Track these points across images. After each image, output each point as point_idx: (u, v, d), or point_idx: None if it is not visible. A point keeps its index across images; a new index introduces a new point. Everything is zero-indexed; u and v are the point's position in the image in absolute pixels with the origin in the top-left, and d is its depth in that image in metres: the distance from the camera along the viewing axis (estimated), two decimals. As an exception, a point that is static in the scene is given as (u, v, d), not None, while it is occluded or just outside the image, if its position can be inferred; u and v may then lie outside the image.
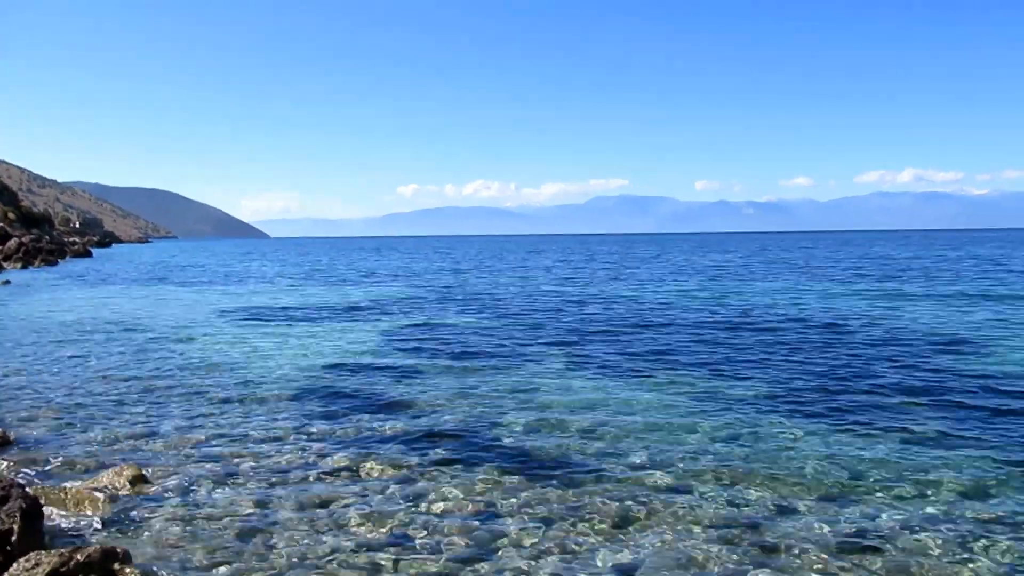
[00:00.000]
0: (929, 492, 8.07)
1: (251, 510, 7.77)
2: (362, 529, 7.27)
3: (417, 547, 6.89)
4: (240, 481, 8.62)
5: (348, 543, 6.94)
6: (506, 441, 10.12)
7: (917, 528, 7.17)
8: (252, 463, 9.25)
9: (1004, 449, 9.49)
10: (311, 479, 8.70)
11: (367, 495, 8.17)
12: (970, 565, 6.41)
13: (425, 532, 7.21)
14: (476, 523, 7.42)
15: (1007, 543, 6.80)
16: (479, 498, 8.03)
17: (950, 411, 11.48)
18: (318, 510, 7.78)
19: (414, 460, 9.34)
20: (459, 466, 9.11)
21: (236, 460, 9.38)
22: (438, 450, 9.73)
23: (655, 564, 6.54)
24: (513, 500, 7.97)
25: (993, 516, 7.42)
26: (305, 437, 10.41)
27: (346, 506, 7.86)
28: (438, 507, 7.83)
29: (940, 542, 6.85)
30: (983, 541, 6.86)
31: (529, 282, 43.58)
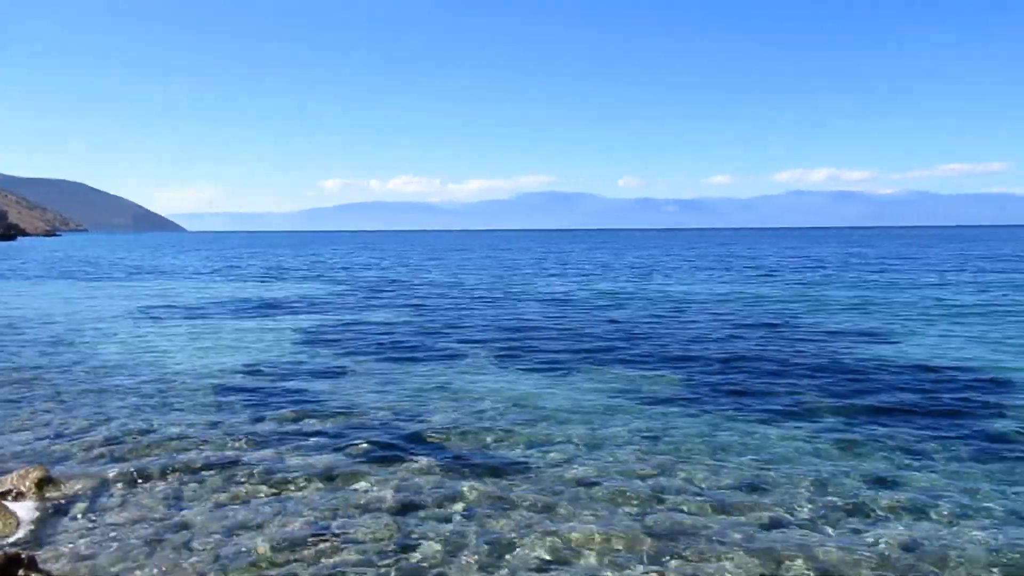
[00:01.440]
0: (840, 479, 8.36)
1: (164, 512, 7.52)
2: (280, 527, 7.12)
3: (338, 543, 6.79)
4: (152, 482, 8.34)
5: (265, 542, 6.79)
6: (429, 436, 10.07)
7: (826, 514, 7.43)
8: (164, 463, 8.95)
9: (904, 435, 9.92)
10: (227, 477, 8.48)
11: (286, 492, 8.02)
12: (874, 548, 6.67)
13: (345, 527, 7.11)
14: (398, 517, 7.35)
15: (901, 528, 7.12)
16: (401, 492, 7.97)
17: (858, 400, 11.92)
18: (234, 509, 7.59)
19: (335, 456, 9.21)
20: (381, 461, 9.02)
21: (148, 461, 9.07)
22: (360, 445, 9.61)
23: (578, 555, 6.60)
24: (435, 494, 7.93)
25: (896, 502, 7.73)
26: (221, 435, 10.13)
27: (263, 504, 7.69)
28: (359, 501, 7.74)
29: (845, 527, 7.13)
30: (885, 525, 7.16)
31: (454, 278, 43.49)
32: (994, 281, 35.94)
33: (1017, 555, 6.48)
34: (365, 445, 9.61)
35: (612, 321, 22.08)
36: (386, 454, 9.27)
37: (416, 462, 8.96)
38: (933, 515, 7.35)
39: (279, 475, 8.52)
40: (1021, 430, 10.14)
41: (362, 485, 8.19)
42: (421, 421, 10.82)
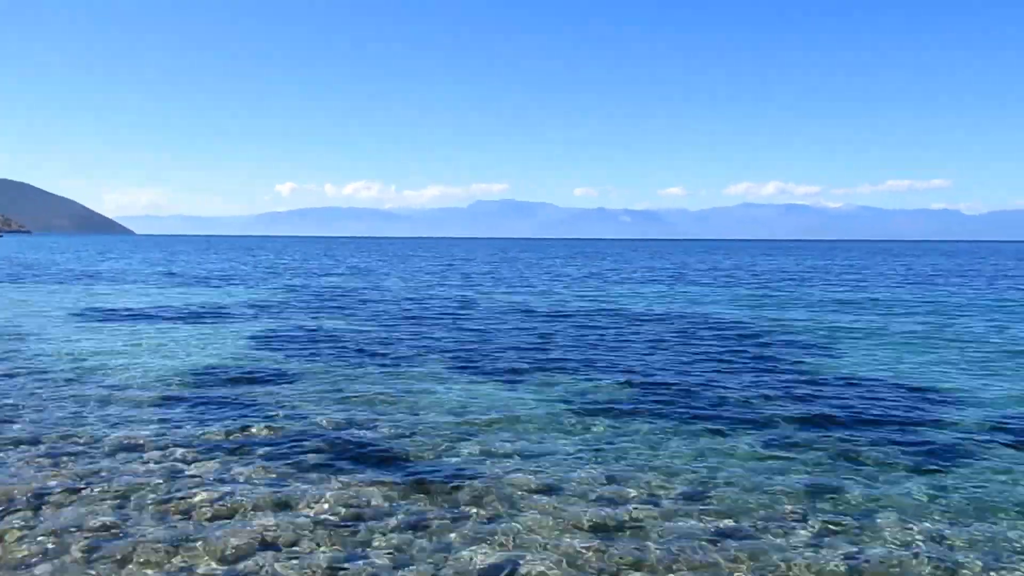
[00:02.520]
0: (784, 488, 8.51)
1: (105, 524, 7.34)
2: (224, 538, 7.00)
3: (284, 553, 6.71)
4: (94, 493, 8.13)
5: (210, 554, 6.68)
6: (377, 445, 10.00)
7: (770, 523, 7.56)
8: (107, 473, 8.74)
9: (846, 444, 10.16)
10: (170, 487, 8.30)
11: (230, 502, 7.88)
12: (816, 557, 6.82)
13: (293, 538, 7.02)
14: (346, 527, 7.29)
15: (843, 538, 7.29)
16: (348, 503, 7.89)
17: (802, 409, 12.17)
18: (176, 519, 7.44)
19: (282, 465, 9.09)
20: (329, 470, 8.93)
21: (90, 470, 8.84)
22: (308, 454, 9.50)
23: (527, 564, 6.62)
24: (382, 504, 7.87)
25: (838, 511, 7.91)
26: (166, 444, 9.93)
27: (207, 515, 7.55)
28: (307, 512, 7.65)
29: (789, 536, 7.26)
30: (828, 534, 7.32)
31: (407, 286, 43.29)
32: (939, 297, 36.99)
33: (950, 563, 6.67)
34: (312, 454, 9.51)
35: (563, 330, 22.19)
36: (333, 464, 9.18)
37: (363, 472, 8.89)
38: (874, 525, 7.53)
39: (223, 485, 8.37)
40: (958, 442, 10.45)
41: (311, 495, 8.09)
42: (369, 430, 10.73)
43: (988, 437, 10.63)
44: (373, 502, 7.93)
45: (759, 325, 23.83)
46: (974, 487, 8.56)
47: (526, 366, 16.02)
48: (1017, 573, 6.49)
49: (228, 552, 6.71)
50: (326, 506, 7.80)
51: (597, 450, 9.89)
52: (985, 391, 13.75)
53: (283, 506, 7.81)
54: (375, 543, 6.95)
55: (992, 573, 6.48)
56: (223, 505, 7.81)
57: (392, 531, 7.23)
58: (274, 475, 8.74)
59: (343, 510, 7.70)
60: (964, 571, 6.52)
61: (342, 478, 8.67)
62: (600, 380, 14.60)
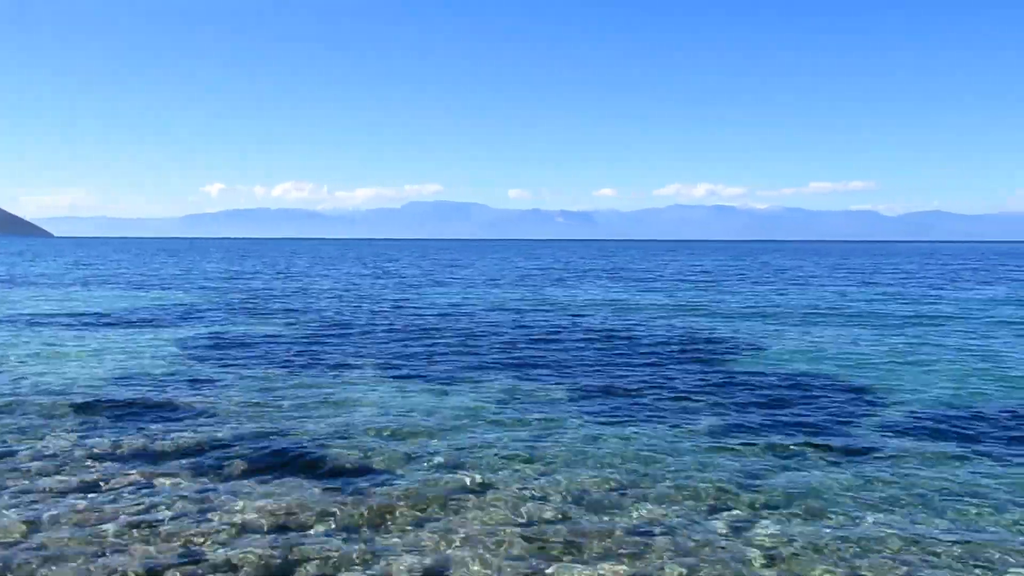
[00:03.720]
0: (714, 479, 8.68)
1: (20, 535, 7.04)
2: (149, 551, 6.78)
3: (210, 564, 6.54)
4: (9, 504, 7.79)
5: (133, 565, 6.46)
6: (307, 449, 9.84)
7: (700, 514, 7.71)
8: (25, 483, 8.40)
9: (776, 436, 10.44)
10: (90, 500, 8.00)
11: (155, 514, 7.63)
12: (747, 546, 6.97)
13: (220, 547, 6.85)
14: (275, 535, 7.14)
15: (774, 527, 7.48)
16: (279, 510, 7.74)
17: (728, 405, 12.45)
18: (98, 533, 7.17)
19: (209, 473, 8.86)
20: (257, 477, 8.75)
21: (4, 481, 8.47)
22: (235, 461, 9.28)
23: (461, 564, 6.59)
24: (314, 509, 7.75)
25: (767, 500, 8.12)
26: (86, 452, 9.58)
27: (131, 527, 7.30)
28: (235, 520, 7.47)
29: (719, 526, 7.42)
30: (763, 524, 7.50)
31: (340, 287, 42.73)
32: (871, 293, 38.26)
33: (873, 552, 6.90)
34: (240, 461, 9.30)
35: (495, 330, 22.20)
36: (263, 470, 9.00)
37: (295, 477, 8.74)
38: (796, 514, 7.74)
39: (147, 496, 8.12)
40: (878, 434, 10.84)
41: (237, 504, 7.91)
42: (296, 435, 10.53)
43: (906, 429, 11.05)
44: (300, 509, 7.79)
45: (690, 322, 24.27)
46: (891, 477, 8.87)
47: (457, 367, 15.98)
48: (932, 558, 6.74)
49: (148, 564, 6.49)
50: (251, 515, 7.62)
51: (529, 447, 9.92)
52: (906, 386, 14.27)
53: (206, 515, 7.60)
54: (302, 551, 6.81)
55: (908, 559, 6.72)
56: (142, 515, 7.56)
57: (320, 538, 7.11)
58: (197, 483, 8.51)
59: (269, 518, 7.55)
60: (882, 558, 6.74)
61: (268, 485, 8.50)
62: (531, 379, 14.66)
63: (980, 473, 9.03)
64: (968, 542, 7.05)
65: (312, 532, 7.26)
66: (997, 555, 6.79)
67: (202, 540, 7.01)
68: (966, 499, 8.14)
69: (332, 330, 22.52)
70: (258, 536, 7.13)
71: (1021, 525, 7.51)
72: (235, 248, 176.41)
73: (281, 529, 7.32)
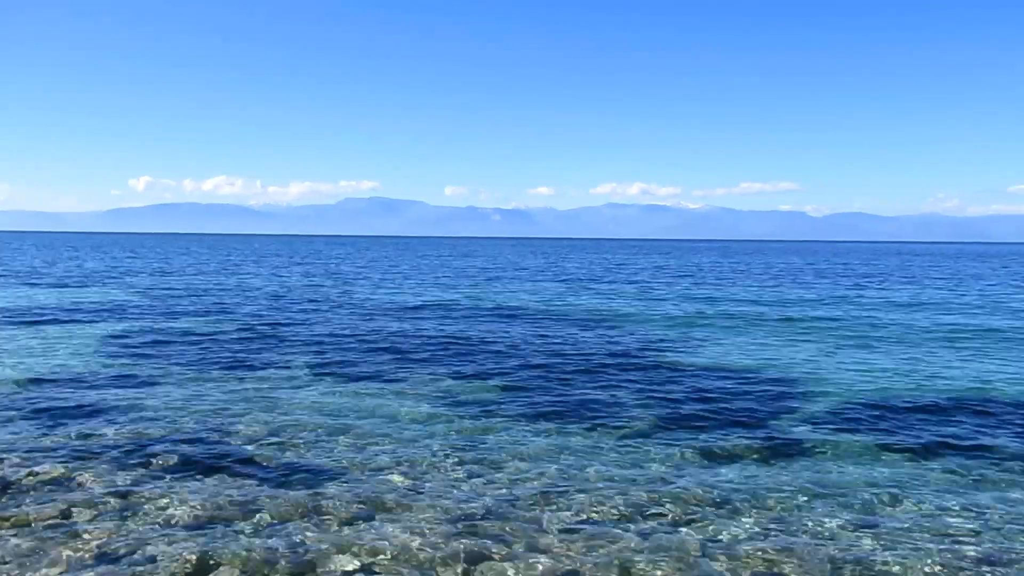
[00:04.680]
0: (636, 479, 8.87)
1: (-70, 541, 6.77)
2: (71, 553, 6.60)
3: (132, 564, 6.39)
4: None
5: (49, 567, 6.28)
6: (236, 448, 9.70)
7: (630, 510, 7.86)
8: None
9: (700, 434, 10.71)
10: (8, 502, 7.75)
11: (77, 515, 7.44)
12: (671, 542, 7.14)
13: (143, 547, 6.70)
14: (200, 536, 7.02)
15: (703, 523, 7.68)
16: (205, 510, 7.61)
17: (658, 404, 12.70)
18: (16, 536, 6.94)
19: (132, 473, 8.66)
20: (186, 477, 8.59)
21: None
22: (162, 460, 9.09)
23: (391, 563, 6.59)
24: (242, 510, 7.64)
25: (694, 495, 8.32)
26: (5, 451, 9.25)
27: (51, 529, 7.10)
28: (158, 521, 7.32)
29: (643, 525, 7.59)
30: (691, 520, 7.70)
31: (273, 285, 42.02)
32: (795, 293, 39.32)
33: (783, 548, 7.15)
34: (166, 460, 9.11)
35: (429, 330, 22.17)
36: (190, 470, 8.84)
37: (222, 477, 8.61)
38: (723, 512, 7.96)
39: (69, 496, 7.90)
40: (800, 429, 11.21)
41: (162, 503, 7.75)
42: (228, 434, 10.38)
43: (828, 425, 11.44)
44: (228, 509, 7.67)
45: (622, 323, 24.62)
46: (813, 473, 9.19)
47: (389, 367, 15.90)
48: (854, 548, 7.02)
49: (70, 565, 6.32)
50: (177, 513, 7.49)
51: (459, 447, 9.96)
52: (829, 381, 14.76)
53: (134, 515, 7.45)
54: (230, 552, 6.72)
55: (828, 553, 6.98)
56: (67, 517, 7.36)
57: (249, 539, 7.02)
58: (124, 483, 8.31)
59: (196, 518, 7.42)
60: (802, 550, 6.99)
61: (200, 483, 8.36)
62: (463, 378, 14.70)
63: (894, 467, 9.42)
64: (877, 526, 7.35)
65: (239, 531, 7.17)
66: (909, 546, 7.11)
67: (124, 540, 6.86)
68: (879, 490, 8.48)
69: (263, 329, 22.14)
70: (184, 536, 7.00)
71: (929, 515, 7.86)
72: (162, 243, 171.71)
73: (207, 529, 7.20)
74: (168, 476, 8.63)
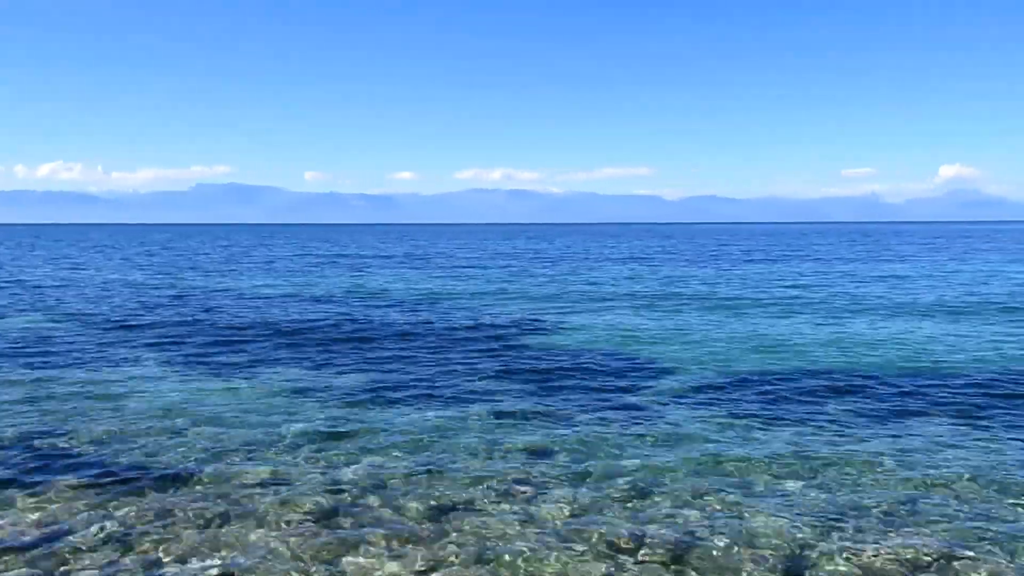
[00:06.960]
0: (504, 453, 8.97)
1: None
2: None
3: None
4: None
5: None
6: (81, 450, 9.11)
7: (496, 487, 7.93)
8: None
9: (558, 406, 10.96)
10: None
11: None
12: (543, 514, 7.27)
13: (-27, 568, 6.17)
14: (41, 548, 6.54)
15: (564, 493, 7.85)
16: (47, 519, 7.11)
17: (521, 384, 12.90)
18: None
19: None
20: (18, 486, 7.96)
21: None
22: (-5, 469, 8.40)
23: (255, 559, 6.36)
24: (87, 517, 7.18)
25: (558, 473, 8.49)
26: None
27: None
28: (-11, 537, 6.76)
29: (520, 497, 7.68)
30: (549, 492, 7.85)
31: (119, 276, 39.61)
32: (650, 272, 40.78)
33: (650, 506, 7.43)
34: (3, 467, 8.41)
35: (289, 319, 21.56)
36: (28, 475, 8.23)
37: (65, 481, 8.05)
38: (583, 487, 8.16)
39: None
40: (658, 406, 11.66)
41: (-5, 515, 7.16)
42: (68, 437, 9.70)
43: (682, 400, 11.95)
44: (73, 517, 7.19)
45: (487, 306, 24.80)
46: (669, 442, 9.59)
47: (249, 359, 15.35)
48: (707, 521, 7.37)
49: None
50: (21, 525, 6.96)
51: (323, 436, 9.75)
52: (684, 356, 15.43)
53: (-40, 532, 6.83)
54: (76, 563, 6.29)
55: (678, 534, 7.30)
56: None
57: (96, 547, 6.60)
58: (-51, 497, 7.61)
59: (42, 527, 6.91)
60: (658, 525, 7.27)
61: (40, 490, 7.79)
62: (326, 366, 14.40)
63: (746, 437, 9.96)
64: (739, 503, 7.74)
65: (83, 538, 6.71)
66: (761, 517, 7.53)
67: (-47, 560, 6.29)
68: (735, 461, 8.95)
69: (111, 324, 20.81)
70: (22, 549, 6.49)
71: (780, 483, 8.37)
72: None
73: (49, 539, 6.71)
74: (5, 484, 7.97)
